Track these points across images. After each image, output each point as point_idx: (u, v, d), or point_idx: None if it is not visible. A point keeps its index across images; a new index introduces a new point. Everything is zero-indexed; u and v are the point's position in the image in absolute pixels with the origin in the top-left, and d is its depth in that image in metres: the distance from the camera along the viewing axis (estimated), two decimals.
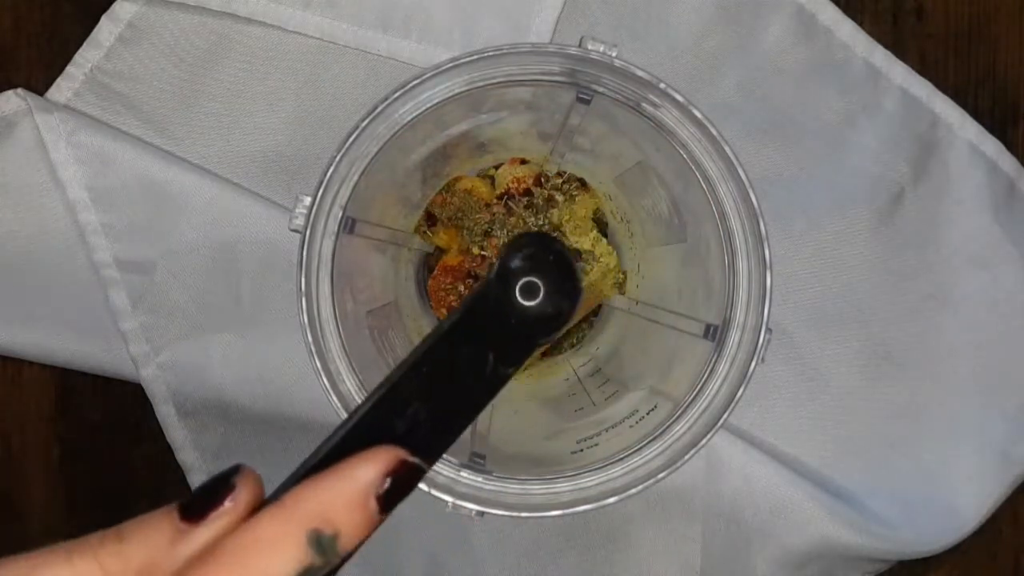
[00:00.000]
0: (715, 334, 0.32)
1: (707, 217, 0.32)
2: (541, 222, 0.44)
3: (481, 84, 0.31)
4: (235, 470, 0.20)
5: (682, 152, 0.31)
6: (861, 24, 0.46)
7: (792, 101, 0.46)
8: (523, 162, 0.44)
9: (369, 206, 0.34)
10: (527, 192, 0.44)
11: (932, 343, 0.46)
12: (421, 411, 0.21)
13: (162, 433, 0.47)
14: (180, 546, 0.18)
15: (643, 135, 0.33)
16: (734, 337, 0.31)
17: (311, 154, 0.46)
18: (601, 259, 0.44)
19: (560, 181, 0.44)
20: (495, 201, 0.44)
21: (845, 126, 0.46)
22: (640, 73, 0.31)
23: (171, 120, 0.46)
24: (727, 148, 0.31)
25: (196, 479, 0.47)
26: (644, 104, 0.31)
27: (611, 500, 0.30)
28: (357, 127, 0.30)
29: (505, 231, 0.44)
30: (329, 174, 0.31)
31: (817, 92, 0.46)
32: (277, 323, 0.46)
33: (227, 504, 0.19)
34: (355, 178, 0.31)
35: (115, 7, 0.45)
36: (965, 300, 0.46)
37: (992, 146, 0.45)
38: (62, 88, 0.46)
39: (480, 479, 0.31)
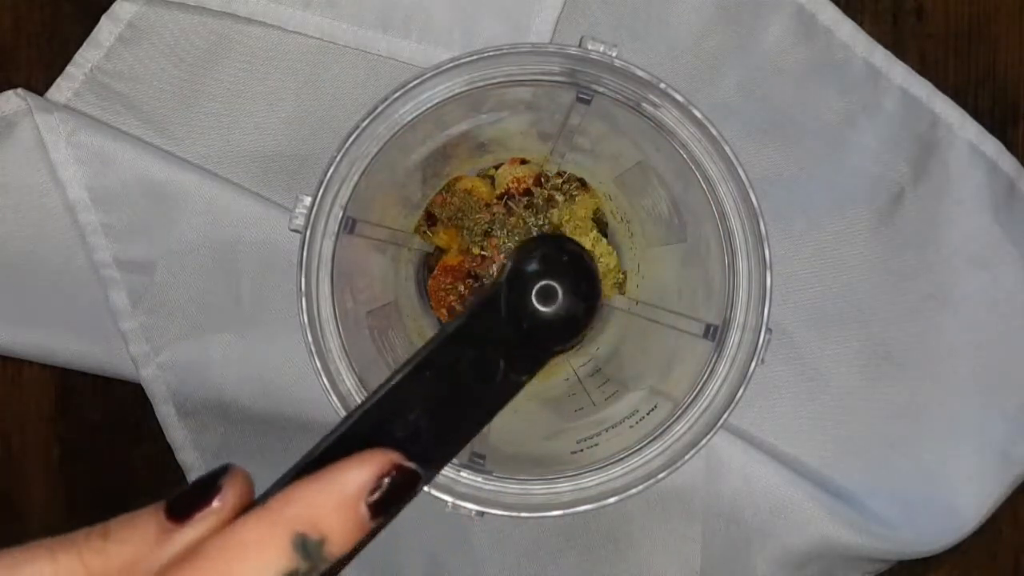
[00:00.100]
0: (715, 334, 0.32)
1: (707, 217, 0.32)
2: (541, 222, 0.44)
3: (481, 84, 0.31)
4: (223, 470, 0.19)
5: (682, 152, 0.31)
6: (861, 24, 0.46)
7: (792, 101, 0.46)
8: (523, 162, 0.44)
9: (369, 206, 0.34)
10: (527, 192, 0.44)
11: (932, 343, 0.46)
12: (423, 416, 0.20)
13: (162, 433, 0.47)
14: (164, 546, 0.18)
15: (643, 135, 0.33)
16: (734, 337, 0.31)
17: (311, 154, 0.46)
18: (601, 259, 0.44)
19: (560, 181, 0.44)
20: (495, 201, 0.44)
21: (845, 126, 0.46)
22: (640, 73, 0.31)
23: (171, 120, 0.46)
24: (727, 148, 0.31)
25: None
26: (644, 104, 0.31)
27: (611, 500, 0.30)
28: (357, 127, 0.30)
29: (505, 231, 0.44)
30: (329, 174, 0.31)
31: (817, 92, 0.46)
32: (277, 323, 0.46)
33: (214, 504, 0.18)
34: (355, 178, 0.31)
35: (115, 7, 0.45)
36: (965, 300, 0.46)
37: (992, 146, 0.45)
38: (62, 88, 0.46)
39: (480, 479, 0.31)
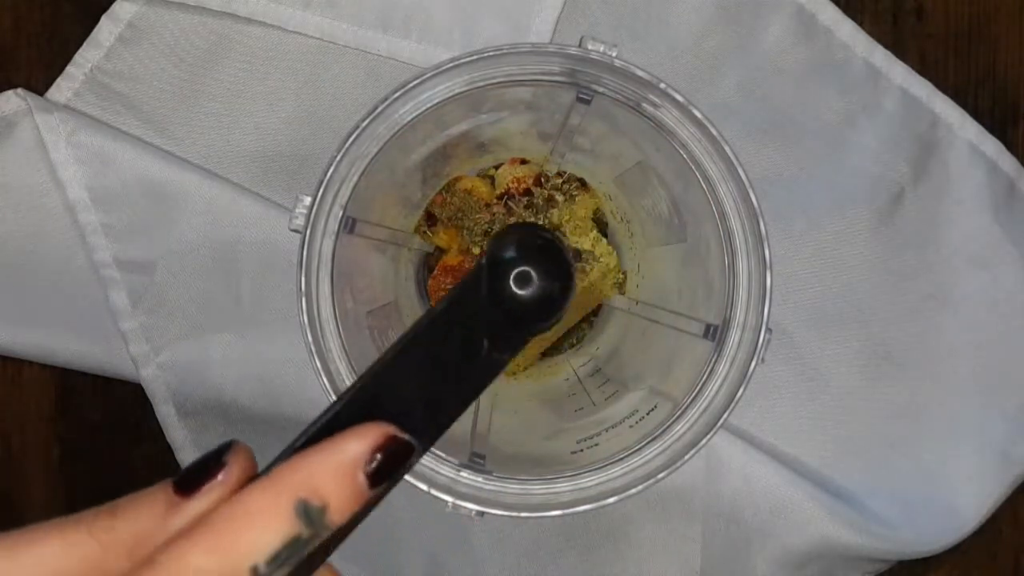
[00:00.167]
0: (715, 334, 0.32)
1: (707, 217, 0.32)
2: (541, 222, 0.44)
3: (481, 84, 0.31)
4: (228, 446, 0.20)
5: (682, 152, 0.31)
6: (861, 24, 0.46)
7: (792, 101, 0.46)
8: (523, 162, 0.44)
9: (369, 206, 0.34)
10: (527, 192, 0.44)
11: (932, 343, 0.46)
12: (414, 393, 0.21)
13: (162, 433, 0.47)
14: (172, 518, 0.19)
15: (643, 135, 0.33)
16: (734, 337, 0.31)
17: (311, 154, 0.46)
18: (601, 259, 0.44)
19: (560, 181, 0.44)
20: (495, 201, 0.44)
21: (845, 126, 0.46)
22: (640, 73, 0.31)
23: (171, 120, 0.46)
24: (727, 148, 0.31)
25: None
26: (644, 104, 0.31)
27: (611, 500, 0.30)
28: (357, 127, 0.30)
29: None
30: (329, 174, 0.31)
31: (817, 92, 0.46)
32: (277, 323, 0.46)
33: (219, 477, 0.19)
34: (355, 178, 0.31)
35: (115, 7, 0.45)
36: (965, 300, 0.46)
37: (992, 146, 0.45)
38: (62, 88, 0.46)
39: (480, 479, 0.31)
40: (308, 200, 0.30)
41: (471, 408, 0.35)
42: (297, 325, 0.30)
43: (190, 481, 0.19)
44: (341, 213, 0.31)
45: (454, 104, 0.32)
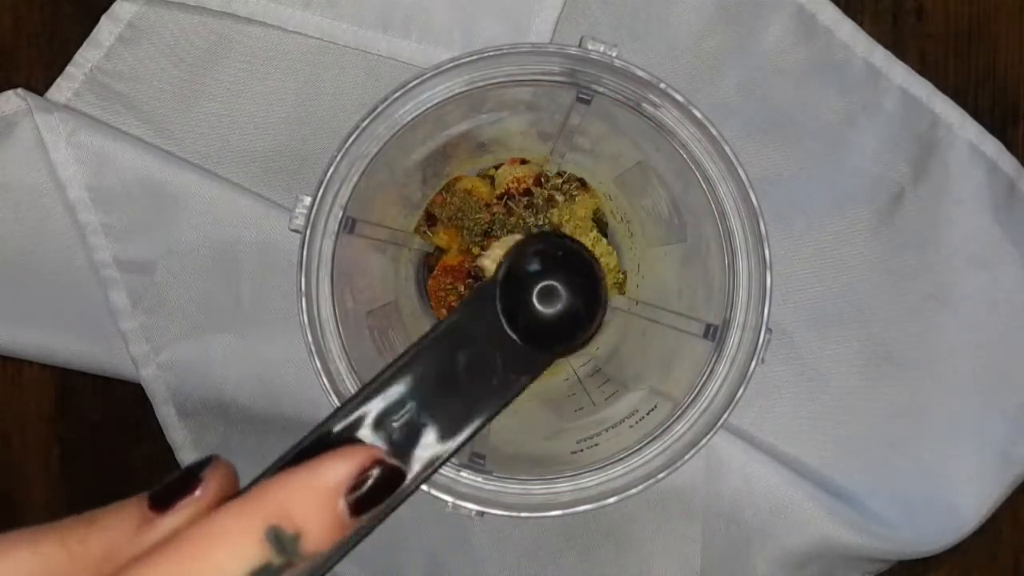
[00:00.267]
0: (715, 334, 0.32)
1: (707, 217, 0.32)
2: (541, 222, 0.44)
3: (481, 84, 0.31)
4: (206, 461, 0.19)
5: (682, 152, 0.31)
6: (861, 24, 0.46)
7: (792, 101, 0.46)
8: (523, 162, 0.44)
9: (369, 206, 0.34)
10: (527, 192, 0.44)
11: (932, 343, 0.46)
12: (413, 415, 0.19)
13: (162, 433, 0.47)
14: (144, 533, 0.18)
15: (643, 135, 0.33)
16: (734, 337, 0.31)
17: (311, 154, 0.46)
18: (601, 259, 0.44)
19: (560, 181, 0.44)
20: (495, 201, 0.44)
21: (845, 126, 0.46)
22: (640, 73, 0.31)
23: (171, 120, 0.46)
24: (727, 148, 0.31)
25: None
26: (644, 104, 0.31)
27: (611, 500, 0.30)
28: (357, 127, 0.30)
29: (505, 231, 0.44)
30: (329, 174, 0.31)
31: (817, 92, 0.46)
32: (277, 323, 0.46)
33: (195, 494, 0.19)
34: (355, 178, 0.31)
35: (115, 7, 0.45)
36: (965, 300, 0.46)
37: (992, 146, 0.45)
38: (62, 88, 0.46)
39: (480, 479, 0.31)
40: (308, 200, 0.30)
41: None
42: (297, 325, 0.30)
43: (165, 496, 0.19)
44: (341, 213, 0.31)
45: (454, 104, 0.32)
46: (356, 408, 0.19)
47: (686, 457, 0.30)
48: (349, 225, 0.31)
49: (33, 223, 0.46)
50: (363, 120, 0.30)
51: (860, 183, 0.46)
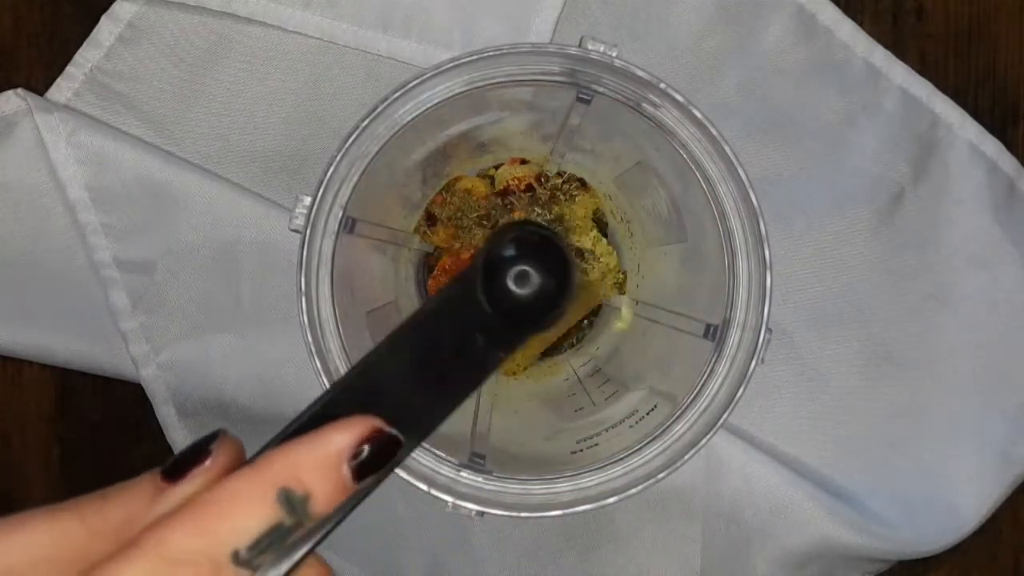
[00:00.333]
0: (715, 334, 0.32)
1: (707, 217, 0.32)
2: (543, 219, 0.44)
3: (481, 84, 0.31)
4: (214, 435, 0.20)
5: (682, 152, 0.31)
6: (861, 24, 0.46)
7: (792, 101, 0.46)
8: (523, 162, 0.44)
9: (369, 206, 0.34)
10: (528, 188, 0.44)
11: (932, 343, 0.46)
12: (404, 387, 0.21)
13: (162, 433, 0.47)
14: (158, 503, 0.19)
15: (643, 135, 0.33)
16: (734, 337, 0.31)
17: (311, 154, 0.46)
18: (601, 259, 0.44)
19: (560, 181, 0.44)
20: (495, 199, 0.44)
21: (845, 126, 0.46)
22: (640, 73, 0.31)
23: (171, 120, 0.46)
24: (727, 148, 0.31)
25: None
26: (644, 104, 0.31)
27: (611, 500, 0.30)
28: (357, 127, 0.30)
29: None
30: (329, 174, 0.31)
31: (817, 92, 0.46)
32: (277, 323, 0.46)
33: (205, 464, 0.20)
34: (355, 178, 0.31)
35: (115, 7, 0.45)
36: (965, 300, 0.46)
37: (992, 146, 0.45)
38: (62, 88, 0.46)
39: (480, 479, 0.31)
40: (308, 200, 0.30)
41: (471, 408, 0.35)
42: (297, 325, 0.30)
43: (177, 468, 0.20)
44: (341, 213, 0.31)
45: (454, 104, 0.32)
46: (350, 384, 0.21)
47: (686, 457, 0.30)
48: (349, 225, 0.31)
49: (33, 223, 0.46)
50: (363, 120, 0.30)
51: (860, 183, 0.46)
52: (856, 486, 0.46)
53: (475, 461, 0.31)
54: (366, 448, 0.19)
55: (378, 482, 0.20)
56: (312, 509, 0.19)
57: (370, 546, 0.47)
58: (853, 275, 0.46)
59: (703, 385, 0.31)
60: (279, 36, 0.46)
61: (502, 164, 0.44)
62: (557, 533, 0.47)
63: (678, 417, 0.31)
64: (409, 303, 0.43)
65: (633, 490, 0.30)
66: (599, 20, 0.46)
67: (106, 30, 0.45)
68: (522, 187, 0.44)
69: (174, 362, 0.46)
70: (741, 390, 0.30)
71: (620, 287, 0.44)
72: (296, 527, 0.18)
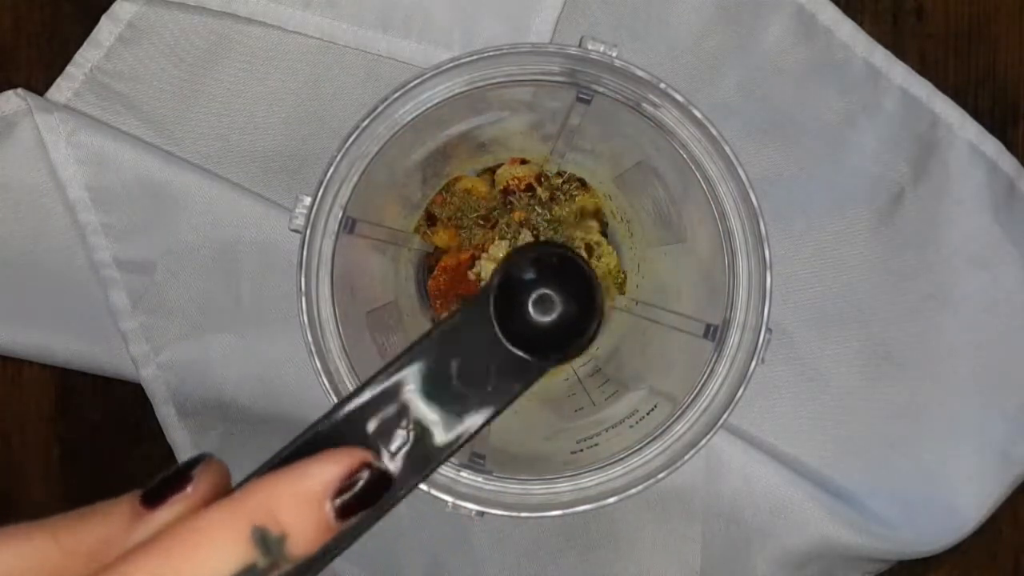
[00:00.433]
0: (715, 334, 0.32)
1: (707, 217, 0.32)
2: (544, 218, 0.44)
3: (481, 84, 0.31)
4: (198, 459, 0.19)
5: (682, 152, 0.31)
6: (861, 24, 0.46)
7: (792, 101, 0.46)
8: (523, 162, 0.44)
9: (369, 206, 0.34)
10: (529, 188, 0.44)
11: (932, 343, 0.46)
12: (404, 420, 0.19)
13: (162, 433, 0.47)
14: (135, 529, 0.18)
15: (643, 135, 0.33)
16: (734, 337, 0.31)
17: (311, 154, 0.46)
18: (601, 259, 0.44)
19: (560, 181, 0.44)
20: (496, 196, 0.44)
21: (845, 126, 0.46)
22: (640, 73, 0.31)
23: (171, 120, 0.46)
24: (727, 148, 0.31)
25: None
26: (644, 104, 0.31)
27: (611, 500, 0.30)
28: (357, 127, 0.30)
29: (506, 227, 0.44)
30: (329, 174, 0.31)
31: (817, 92, 0.46)
32: (277, 323, 0.46)
33: (186, 490, 0.19)
34: (355, 178, 0.31)
35: (115, 7, 0.45)
36: (965, 300, 0.46)
37: (992, 146, 0.45)
38: (62, 88, 0.46)
39: (480, 479, 0.31)
40: (308, 200, 0.30)
41: None
42: (297, 325, 0.30)
43: (157, 493, 0.19)
44: (341, 213, 0.31)
45: (454, 104, 0.32)
46: (348, 410, 0.19)
47: (686, 457, 0.30)
48: (349, 225, 0.31)
49: (33, 223, 0.46)
50: (363, 120, 0.30)
51: (860, 183, 0.46)
52: (856, 486, 0.46)
53: (475, 461, 0.31)
54: (357, 484, 0.18)
55: (367, 523, 0.18)
56: (289, 550, 0.17)
57: (370, 546, 0.47)
58: (853, 275, 0.46)
59: (703, 385, 0.31)
60: (279, 36, 0.46)
61: (502, 164, 0.44)
62: (557, 533, 0.47)
63: (678, 417, 0.31)
64: (409, 303, 0.43)
65: (633, 490, 0.30)
66: (599, 20, 0.46)
67: (106, 30, 0.45)
68: (522, 187, 0.44)
69: (174, 362, 0.46)
70: (741, 390, 0.30)
71: (620, 287, 0.45)
72: (271, 568, 0.17)
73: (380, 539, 0.47)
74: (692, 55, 0.46)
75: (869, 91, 0.45)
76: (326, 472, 0.18)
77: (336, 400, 0.30)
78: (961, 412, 0.46)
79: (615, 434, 0.34)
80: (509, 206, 0.44)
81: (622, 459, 0.31)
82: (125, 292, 0.45)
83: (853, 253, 0.46)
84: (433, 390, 0.19)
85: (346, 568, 0.47)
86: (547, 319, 0.19)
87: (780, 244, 0.46)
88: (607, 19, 0.46)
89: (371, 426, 0.19)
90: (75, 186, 0.45)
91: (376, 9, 0.45)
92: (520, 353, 0.20)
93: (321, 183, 0.31)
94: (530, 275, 0.19)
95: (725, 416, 0.30)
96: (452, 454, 0.20)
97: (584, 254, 0.44)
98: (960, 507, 0.45)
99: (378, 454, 0.18)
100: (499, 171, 0.44)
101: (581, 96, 0.32)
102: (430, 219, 0.44)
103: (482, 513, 0.30)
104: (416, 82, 0.31)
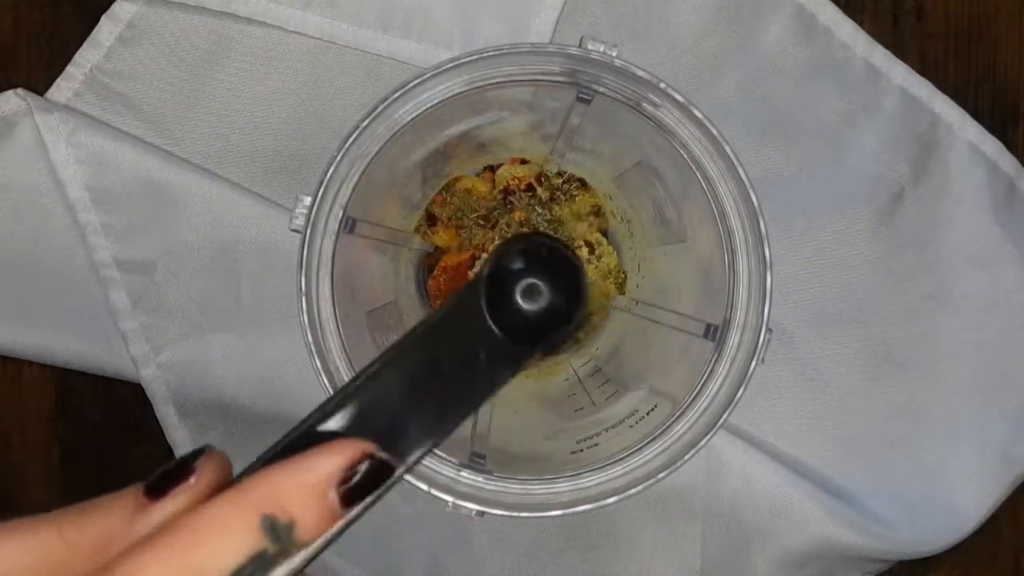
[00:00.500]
0: (715, 334, 0.32)
1: (707, 217, 0.32)
2: (545, 218, 0.44)
3: (481, 84, 0.31)
4: (201, 451, 0.19)
5: (682, 152, 0.31)
6: (861, 24, 0.46)
7: (792, 101, 0.46)
8: (523, 162, 0.44)
9: (369, 206, 0.34)
10: (529, 187, 0.44)
11: (932, 343, 0.46)
12: (399, 408, 0.20)
13: (162, 433, 0.47)
14: (139, 521, 0.18)
15: (643, 135, 0.33)
16: (734, 337, 0.31)
17: (311, 154, 0.46)
18: (601, 259, 0.44)
19: (560, 181, 0.44)
20: (496, 196, 0.44)
21: (845, 126, 0.46)
22: (640, 73, 0.31)
23: (171, 120, 0.46)
24: (727, 148, 0.31)
25: None
26: (644, 104, 0.31)
27: (611, 500, 0.30)
28: (357, 127, 0.30)
29: (507, 226, 0.44)
30: (329, 174, 0.31)
31: (817, 92, 0.46)
32: (277, 323, 0.46)
33: (189, 481, 0.19)
34: (355, 178, 0.31)
35: (115, 7, 0.45)
36: (965, 300, 0.46)
37: (992, 146, 0.45)
38: (62, 88, 0.46)
39: (480, 479, 0.31)
40: (308, 200, 0.30)
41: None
42: (297, 325, 0.30)
43: (160, 485, 0.19)
44: (341, 213, 0.31)
45: (454, 104, 0.32)
46: (343, 401, 0.20)
47: (686, 457, 0.30)
48: (349, 225, 0.31)
49: (33, 223, 0.46)
50: (363, 120, 0.30)
51: (860, 183, 0.46)
52: (856, 486, 0.46)
53: (475, 461, 0.31)
54: (357, 473, 0.19)
55: (368, 508, 0.19)
56: (297, 536, 0.18)
57: (370, 546, 0.47)
58: (853, 275, 0.46)
59: (703, 385, 0.31)
60: (279, 36, 0.46)
61: (502, 164, 0.44)
62: (557, 533, 0.47)
63: (678, 417, 0.31)
64: (409, 303, 0.43)
65: (633, 490, 0.30)
66: (599, 20, 0.46)
67: (106, 30, 0.45)
68: (522, 187, 0.44)
69: (174, 362, 0.46)
70: (741, 390, 0.30)
71: (620, 287, 0.45)
72: (281, 554, 0.17)
73: (380, 539, 0.47)
74: (692, 55, 0.46)
75: (869, 91, 0.45)
76: (332, 462, 0.18)
77: None
78: (961, 412, 0.46)
79: (615, 434, 0.34)
80: (509, 206, 0.44)
81: (622, 459, 0.31)
82: (125, 292, 0.45)
83: (853, 253, 0.46)
84: (426, 378, 0.20)
85: (346, 568, 0.47)
86: (535, 307, 0.20)
87: (780, 244, 0.46)
88: (607, 19, 0.46)
89: (366, 415, 0.20)
90: (75, 186, 0.45)
91: (376, 9, 0.45)
92: (509, 340, 0.21)
93: (321, 183, 0.31)
94: (518, 265, 0.20)
95: (725, 416, 0.30)
96: (446, 437, 0.20)
97: (585, 253, 0.44)
98: (960, 507, 0.45)
99: (376, 442, 0.19)
100: (499, 171, 0.44)
101: (581, 96, 0.32)
102: (430, 219, 0.44)
103: (482, 513, 0.30)
104: (416, 82, 0.31)
